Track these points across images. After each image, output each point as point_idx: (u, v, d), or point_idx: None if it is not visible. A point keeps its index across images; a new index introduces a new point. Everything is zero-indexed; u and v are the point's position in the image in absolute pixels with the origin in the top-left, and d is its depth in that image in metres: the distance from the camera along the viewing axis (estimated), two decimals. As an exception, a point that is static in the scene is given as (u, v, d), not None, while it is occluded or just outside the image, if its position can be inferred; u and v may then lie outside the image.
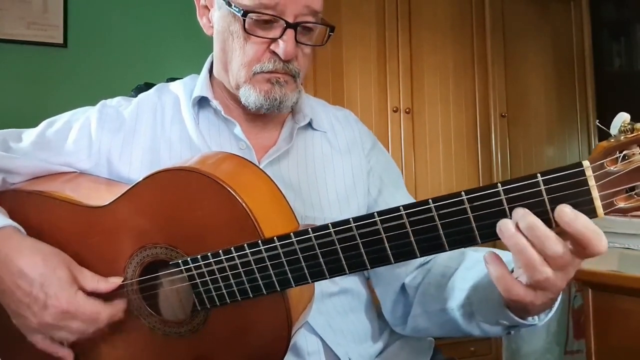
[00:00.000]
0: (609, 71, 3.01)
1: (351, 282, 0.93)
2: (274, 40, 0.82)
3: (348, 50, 2.37)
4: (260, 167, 0.86)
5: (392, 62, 2.46)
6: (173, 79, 1.02)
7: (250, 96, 0.85)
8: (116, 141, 0.89)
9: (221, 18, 0.86)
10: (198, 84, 0.93)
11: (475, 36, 2.64)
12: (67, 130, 0.90)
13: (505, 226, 0.56)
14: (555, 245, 0.55)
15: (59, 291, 0.70)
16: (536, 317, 0.69)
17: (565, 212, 0.54)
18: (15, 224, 0.76)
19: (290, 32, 0.81)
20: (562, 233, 0.55)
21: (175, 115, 0.92)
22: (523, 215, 0.55)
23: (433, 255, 0.90)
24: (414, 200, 0.65)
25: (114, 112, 0.92)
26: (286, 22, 0.80)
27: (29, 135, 0.90)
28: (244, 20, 0.81)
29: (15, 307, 0.72)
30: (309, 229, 0.64)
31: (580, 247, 0.55)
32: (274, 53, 0.83)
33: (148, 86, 1.10)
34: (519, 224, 0.55)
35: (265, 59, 0.83)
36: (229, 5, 0.82)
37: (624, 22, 3.03)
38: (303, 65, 0.87)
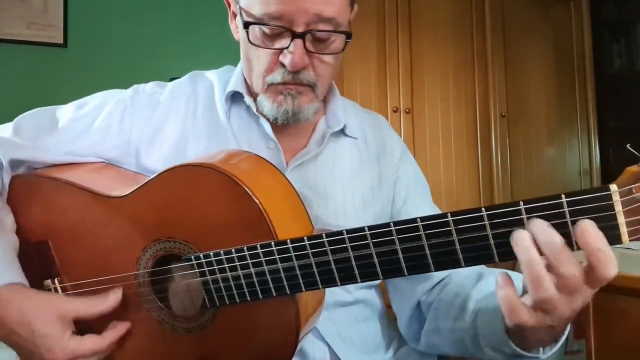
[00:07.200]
0: (609, 72, 3.00)
1: (366, 293, 0.91)
2: (282, 50, 0.79)
3: (348, 50, 2.34)
4: (288, 169, 0.86)
5: (392, 62, 2.46)
6: (174, 79, 1.01)
7: (265, 107, 0.83)
8: (147, 131, 0.87)
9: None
10: (233, 77, 0.91)
11: (475, 36, 2.64)
12: (97, 116, 0.88)
13: (520, 238, 0.54)
14: (570, 265, 0.53)
15: (52, 346, 0.71)
16: (540, 349, 0.66)
17: (587, 226, 0.52)
18: (6, 280, 0.73)
19: (297, 42, 0.77)
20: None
21: (208, 106, 0.91)
22: (543, 229, 0.53)
23: (449, 272, 0.89)
24: (439, 212, 0.62)
25: (147, 99, 0.90)
26: (292, 32, 0.77)
27: (62, 114, 0.89)
28: (247, 32, 0.78)
29: (19, 352, 0.74)
30: (323, 234, 0.63)
31: (588, 268, 0.53)
32: (282, 64, 0.80)
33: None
34: (536, 237, 0.54)
35: (275, 70, 0.81)
36: (241, 14, 0.80)
37: (624, 23, 3.03)
38: (323, 74, 0.84)
